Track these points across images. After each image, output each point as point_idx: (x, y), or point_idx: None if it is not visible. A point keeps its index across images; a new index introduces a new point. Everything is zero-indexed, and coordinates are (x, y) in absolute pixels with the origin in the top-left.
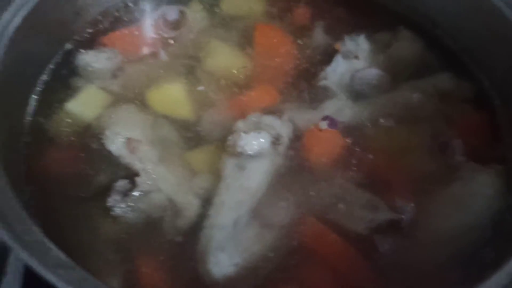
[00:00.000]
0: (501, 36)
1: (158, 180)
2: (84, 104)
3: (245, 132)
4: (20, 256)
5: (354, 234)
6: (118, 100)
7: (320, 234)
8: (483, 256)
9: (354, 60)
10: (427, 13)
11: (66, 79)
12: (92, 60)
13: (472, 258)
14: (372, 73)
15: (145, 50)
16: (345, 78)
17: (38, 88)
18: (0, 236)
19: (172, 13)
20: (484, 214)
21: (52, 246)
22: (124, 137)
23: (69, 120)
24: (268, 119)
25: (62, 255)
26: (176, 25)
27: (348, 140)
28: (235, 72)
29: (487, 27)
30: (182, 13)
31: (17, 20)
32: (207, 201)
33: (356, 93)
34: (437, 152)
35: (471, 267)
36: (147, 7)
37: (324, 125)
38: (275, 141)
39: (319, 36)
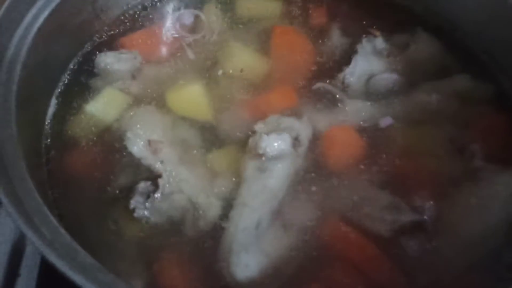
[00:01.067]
0: None
1: (180, 181)
2: (104, 106)
3: (265, 133)
4: (49, 260)
5: (377, 235)
6: (137, 101)
7: (343, 235)
8: (508, 258)
9: (373, 61)
10: (446, 15)
11: (86, 80)
12: (111, 61)
13: (497, 259)
14: (390, 78)
15: (164, 52)
16: (363, 79)
17: (58, 90)
18: (31, 240)
19: (187, 17)
20: (507, 215)
21: (79, 248)
22: (145, 138)
23: (90, 122)
24: (288, 121)
25: (90, 258)
26: (193, 27)
27: (368, 142)
28: (254, 73)
29: (507, 28)
30: (197, 17)
31: (39, 22)
32: (228, 203)
33: (374, 94)
34: (457, 154)
35: (496, 268)
36: (165, 9)
37: None
38: (296, 142)
39: (336, 37)
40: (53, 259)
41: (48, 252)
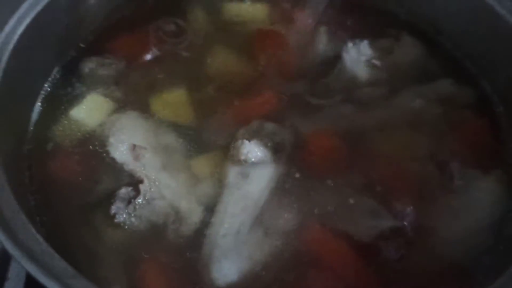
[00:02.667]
0: (503, 42)
1: (162, 187)
2: (87, 112)
3: (247, 139)
4: (24, 266)
5: (357, 240)
6: (121, 107)
7: (324, 241)
8: (486, 262)
9: (358, 66)
10: (429, 19)
11: (69, 86)
12: (95, 66)
13: (475, 264)
14: (373, 92)
15: (148, 57)
16: (347, 85)
17: (42, 96)
18: (5, 246)
19: (167, 24)
20: (486, 220)
21: (56, 255)
22: (128, 144)
23: (73, 128)
24: (270, 126)
25: (66, 265)
26: (177, 33)
27: (350, 147)
28: (238, 78)
29: (489, 33)
30: (177, 25)
31: (21, 28)
32: (210, 208)
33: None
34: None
35: (475, 273)
36: (148, 15)
37: None
38: (278, 148)
39: (321, 42)
40: (28, 266)
41: (23, 259)
